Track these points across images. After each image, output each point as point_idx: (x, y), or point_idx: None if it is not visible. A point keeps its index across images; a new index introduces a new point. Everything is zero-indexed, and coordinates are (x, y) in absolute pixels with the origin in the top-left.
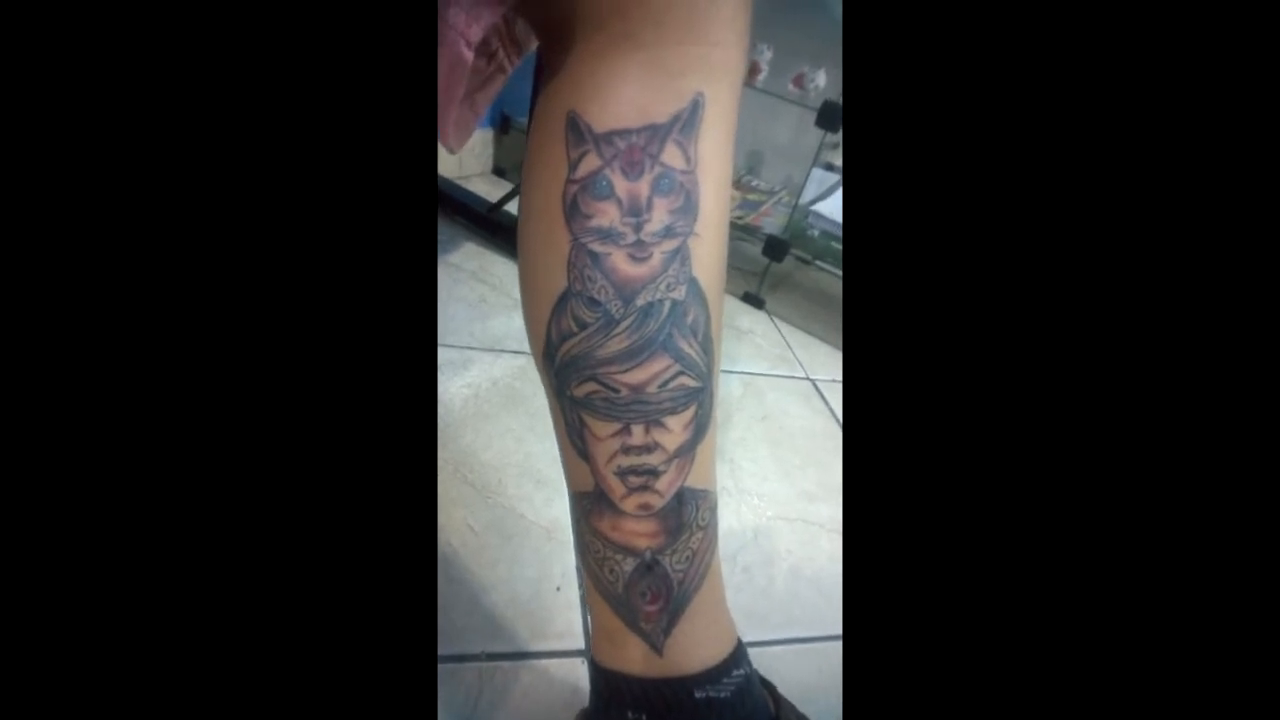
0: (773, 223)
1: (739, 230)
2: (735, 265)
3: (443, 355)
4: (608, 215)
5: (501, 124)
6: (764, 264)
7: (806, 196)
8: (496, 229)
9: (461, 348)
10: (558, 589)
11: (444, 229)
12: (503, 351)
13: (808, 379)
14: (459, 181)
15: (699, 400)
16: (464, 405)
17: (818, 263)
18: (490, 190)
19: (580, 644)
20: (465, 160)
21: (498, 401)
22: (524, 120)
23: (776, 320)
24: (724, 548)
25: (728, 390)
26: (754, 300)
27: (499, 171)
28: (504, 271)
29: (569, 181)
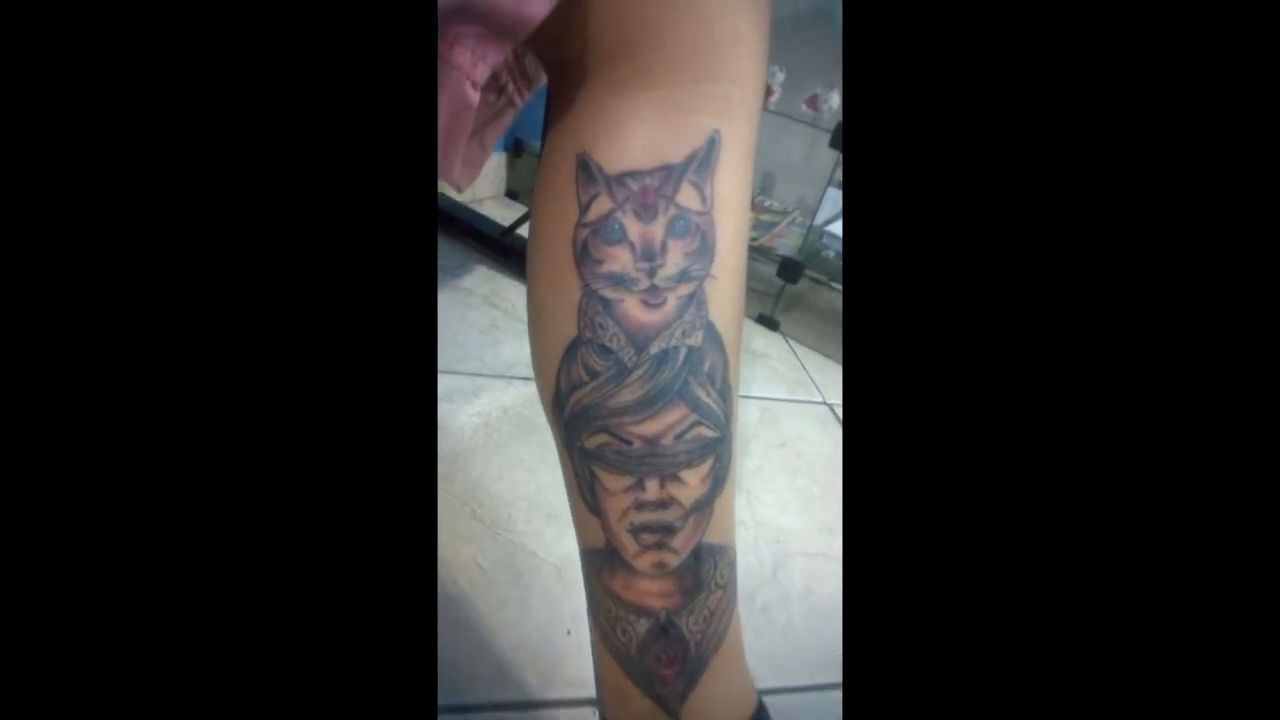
0: (786, 244)
1: (752, 251)
2: (749, 287)
3: (453, 382)
4: (620, 260)
5: (514, 148)
6: (778, 285)
7: (821, 217)
8: (509, 253)
9: (472, 375)
10: (568, 632)
11: (455, 253)
12: (514, 378)
13: (825, 404)
14: (471, 205)
15: (717, 451)
16: (474, 435)
17: (833, 284)
18: (503, 214)
19: (592, 692)
20: (478, 183)
21: (508, 431)
22: (537, 144)
23: (792, 342)
24: (741, 586)
25: (744, 417)
26: (768, 322)
27: (512, 195)
28: (516, 296)
29: (579, 225)
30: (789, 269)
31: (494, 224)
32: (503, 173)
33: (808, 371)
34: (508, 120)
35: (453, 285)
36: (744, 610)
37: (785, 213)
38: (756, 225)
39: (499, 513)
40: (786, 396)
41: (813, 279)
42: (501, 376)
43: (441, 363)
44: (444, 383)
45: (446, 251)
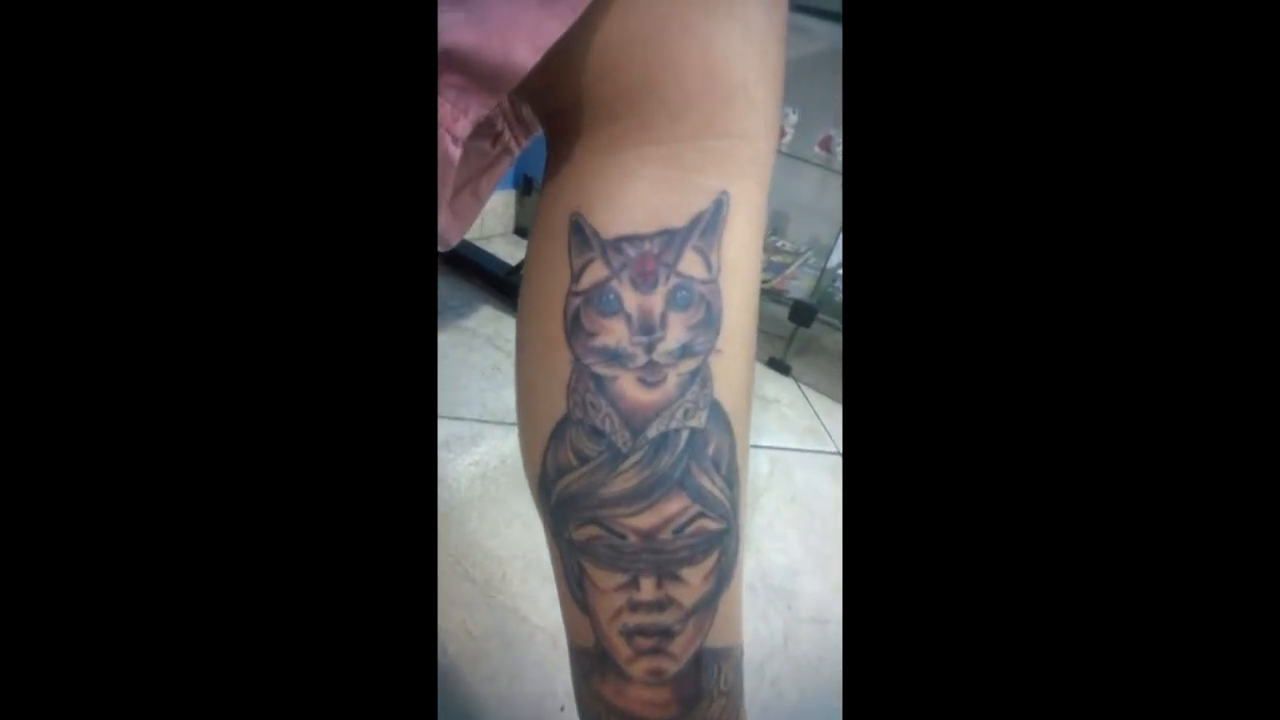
0: (799, 286)
1: (764, 293)
2: (760, 329)
3: (451, 429)
4: (614, 333)
5: (524, 185)
6: (790, 329)
7: (834, 260)
8: (515, 292)
9: (471, 420)
10: (561, 708)
11: (460, 291)
12: (515, 425)
13: (838, 453)
14: (479, 243)
15: (722, 545)
16: (470, 486)
17: None
18: (511, 251)
19: None
20: (486, 221)
21: (506, 482)
22: None
23: (804, 388)
24: (749, 656)
25: (755, 468)
26: (780, 366)
27: (520, 232)
28: None
29: (571, 293)
30: (801, 312)
31: (501, 263)
32: (511, 209)
33: (820, 419)
34: (504, 169)
35: (456, 325)
36: (751, 684)
37: (798, 254)
38: (768, 267)
39: (492, 573)
40: (798, 446)
41: (826, 322)
42: (502, 423)
43: (441, 407)
44: (442, 429)
45: (451, 290)
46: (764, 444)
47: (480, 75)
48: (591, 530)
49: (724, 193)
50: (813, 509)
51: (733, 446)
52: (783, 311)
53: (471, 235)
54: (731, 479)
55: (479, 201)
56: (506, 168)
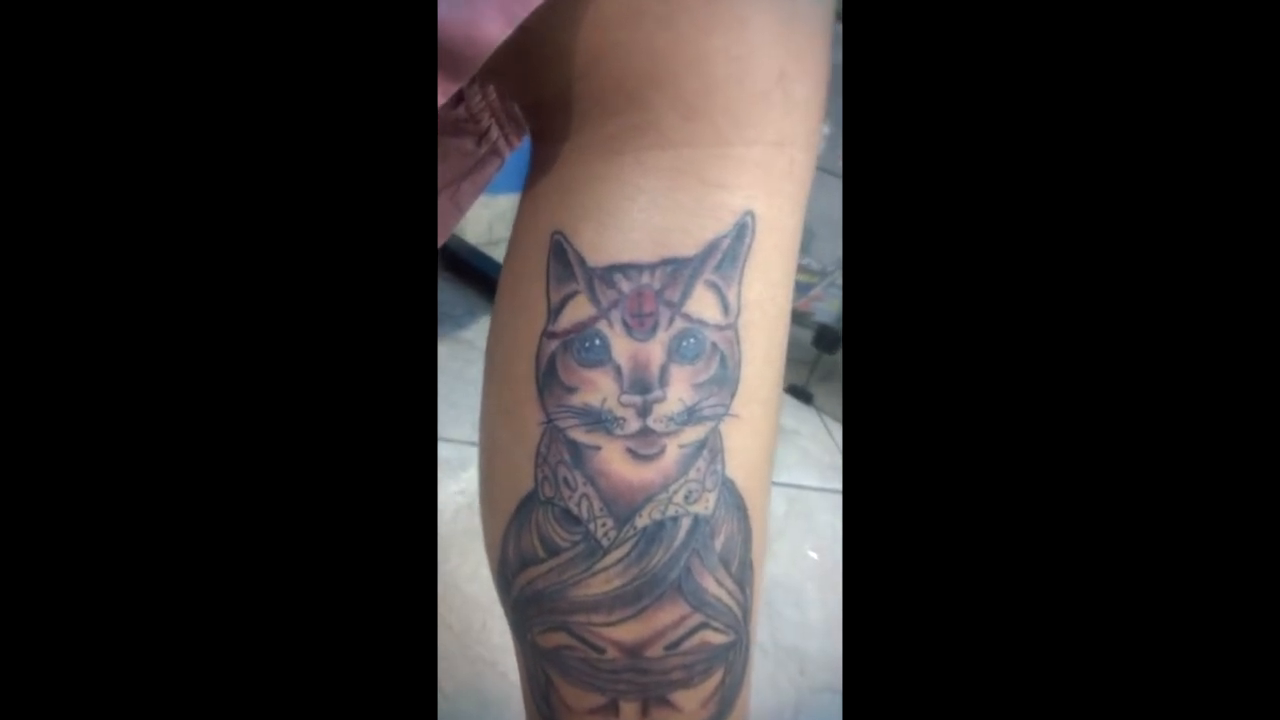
0: (825, 308)
1: None
2: None
3: (440, 452)
4: (598, 389)
5: None
6: (814, 353)
7: None
8: None
9: (461, 443)
10: None
11: (461, 300)
12: None
13: None
14: (484, 248)
15: (727, 662)
16: (455, 516)
17: None
18: None
19: None
20: (494, 225)
21: None
22: None
23: (827, 419)
24: None
25: (770, 508)
26: (801, 394)
27: None
28: None
29: (546, 334)
30: (826, 337)
31: None
32: None
33: (843, 454)
34: (491, 172)
35: (454, 337)
36: None
37: (824, 273)
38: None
39: (472, 620)
40: (819, 484)
41: None
42: None
43: None
44: None
45: (452, 299)
46: (781, 481)
47: (442, 54)
48: (559, 638)
49: (749, 214)
50: (834, 558)
51: (747, 537)
52: (806, 335)
53: (478, 240)
54: (744, 578)
55: (459, 210)
56: (495, 171)
